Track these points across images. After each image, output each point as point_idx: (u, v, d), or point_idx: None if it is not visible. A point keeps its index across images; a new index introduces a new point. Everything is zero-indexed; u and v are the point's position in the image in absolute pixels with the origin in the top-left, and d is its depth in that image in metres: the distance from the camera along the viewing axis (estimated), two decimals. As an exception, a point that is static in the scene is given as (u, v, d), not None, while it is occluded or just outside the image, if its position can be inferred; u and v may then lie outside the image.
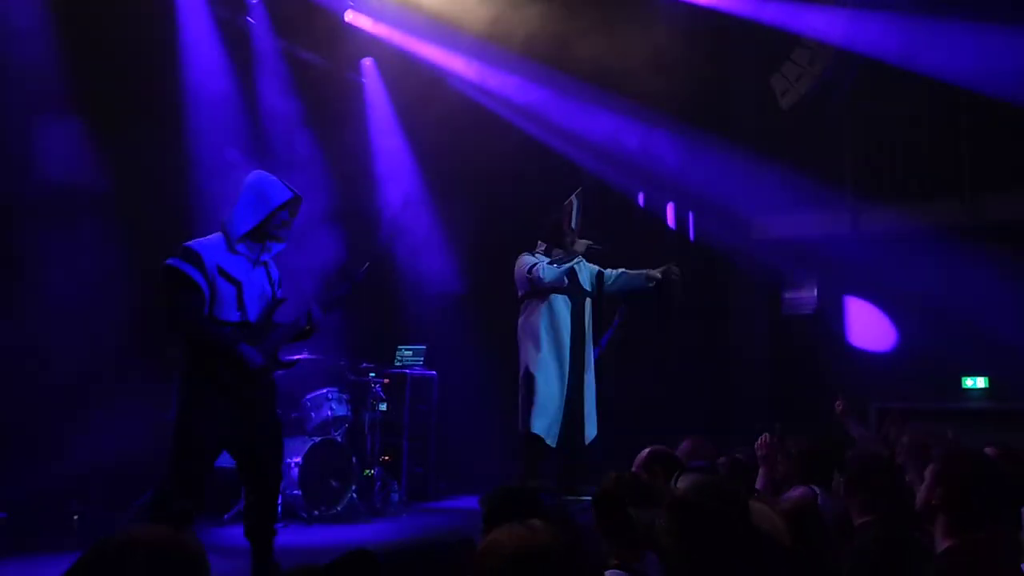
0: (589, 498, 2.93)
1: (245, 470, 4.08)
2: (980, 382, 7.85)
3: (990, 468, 2.35)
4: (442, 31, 7.80)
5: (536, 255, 5.66)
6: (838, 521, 3.13)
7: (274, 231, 4.04)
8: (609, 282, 5.85)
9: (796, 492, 3.50)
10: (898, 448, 4.38)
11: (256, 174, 4.10)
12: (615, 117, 8.11)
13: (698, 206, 8.34)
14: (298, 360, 4.27)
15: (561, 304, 5.60)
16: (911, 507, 2.54)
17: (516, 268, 5.70)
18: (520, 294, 5.74)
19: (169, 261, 3.85)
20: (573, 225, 5.67)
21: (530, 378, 5.54)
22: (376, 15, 7.91)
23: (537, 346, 5.54)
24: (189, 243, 3.91)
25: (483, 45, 7.76)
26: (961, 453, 2.51)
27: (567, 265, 5.49)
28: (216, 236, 3.99)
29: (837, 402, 5.17)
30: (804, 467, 3.59)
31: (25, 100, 5.57)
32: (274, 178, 4.06)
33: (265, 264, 4.11)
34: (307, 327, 4.10)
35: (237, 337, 3.87)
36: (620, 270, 5.88)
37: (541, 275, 5.45)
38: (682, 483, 2.14)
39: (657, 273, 5.74)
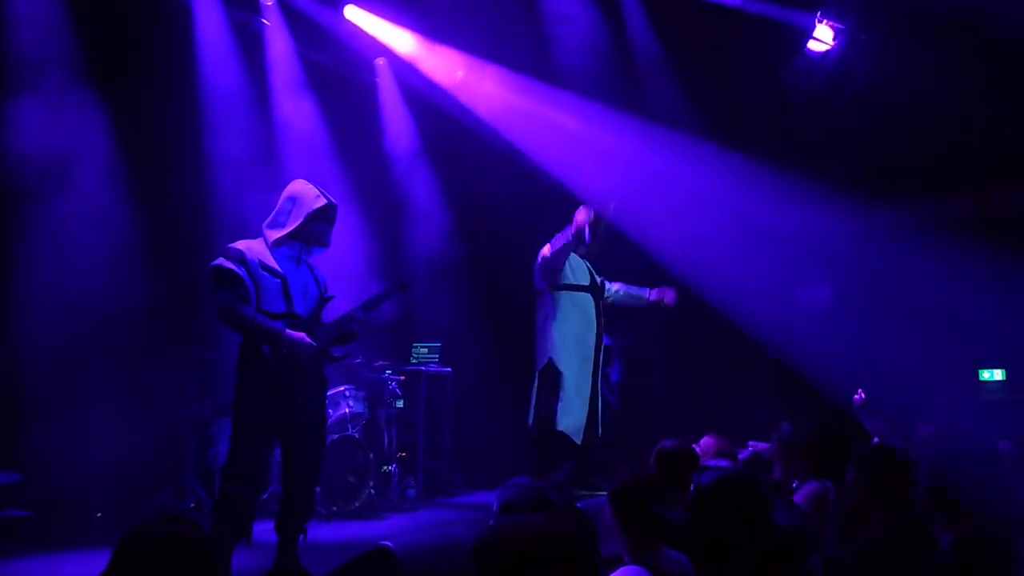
0: (603, 493, 2.96)
1: (286, 464, 4.17)
2: (997, 374, 7.83)
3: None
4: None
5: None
6: (851, 516, 3.14)
7: (311, 236, 4.19)
8: (608, 296, 5.85)
9: (808, 487, 3.52)
10: (914, 442, 4.41)
11: (296, 184, 4.28)
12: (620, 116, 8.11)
13: (707, 201, 8.31)
14: (347, 355, 4.38)
15: (588, 300, 5.57)
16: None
17: (536, 262, 5.64)
18: (541, 287, 5.63)
19: (214, 263, 4.03)
20: (588, 239, 5.61)
21: (556, 373, 5.41)
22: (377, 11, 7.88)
23: (565, 339, 5.43)
24: (232, 244, 4.10)
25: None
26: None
27: (566, 241, 5.34)
28: (257, 239, 4.19)
29: (856, 395, 5.16)
30: (814, 462, 3.61)
31: (42, 88, 5.65)
32: (311, 186, 4.23)
33: (309, 264, 4.29)
34: (349, 332, 4.24)
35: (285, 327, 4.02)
36: (617, 287, 5.90)
37: (551, 248, 5.36)
38: (705, 477, 2.16)
39: (648, 297, 5.82)
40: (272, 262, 4.10)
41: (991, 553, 2.16)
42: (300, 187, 4.25)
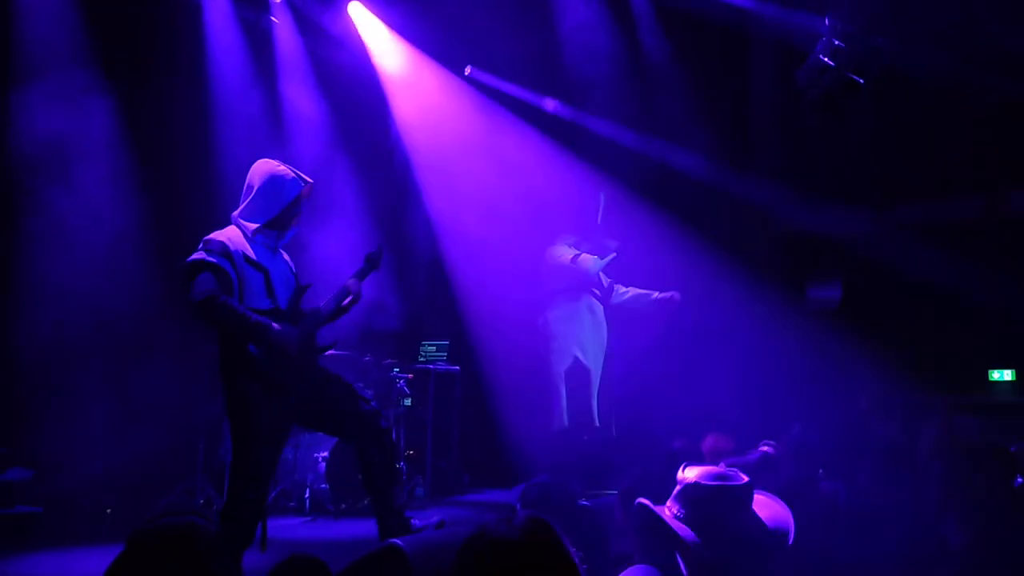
0: (614, 492, 2.96)
1: (345, 436, 4.19)
2: (1007, 375, 7.80)
3: None
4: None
5: (569, 247, 5.62)
6: (862, 515, 3.14)
7: (288, 222, 3.97)
8: (616, 297, 5.88)
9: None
10: (922, 443, 4.39)
11: (266, 165, 3.99)
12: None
13: (723, 199, 8.31)
14: (335, 343, 4.18)
15: (596, 303, 5.61)
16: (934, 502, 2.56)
17: (548, 260, 5.63)
18: (552, 287, 5.64)
19: (193, 257, 3.76)
20: (599, 221, 5.68)
21: (585, 372, 5.47)
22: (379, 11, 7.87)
23: (582, 345, 5.50)
24: (209, 236, 3.82)
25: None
26: None
27: (607, 259, 5.47)
28: (231, 228, 3.91)
29: (862, 399, 5.17)
30: (826, 462, 3.61)
31: (50, 84, 5.66)
32: (285, 169, 3.96)
33: (283, 252, 4.06)
34: (347, 303, 4.05)
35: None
36: (627, 289, 5.92)
37: (589, 266, 5.42)
38: (689, 472, 2.18)
39: (656, 296, 5.82)
40: (253, 254, 3.83)
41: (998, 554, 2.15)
42: (273, 169, 3.95)
